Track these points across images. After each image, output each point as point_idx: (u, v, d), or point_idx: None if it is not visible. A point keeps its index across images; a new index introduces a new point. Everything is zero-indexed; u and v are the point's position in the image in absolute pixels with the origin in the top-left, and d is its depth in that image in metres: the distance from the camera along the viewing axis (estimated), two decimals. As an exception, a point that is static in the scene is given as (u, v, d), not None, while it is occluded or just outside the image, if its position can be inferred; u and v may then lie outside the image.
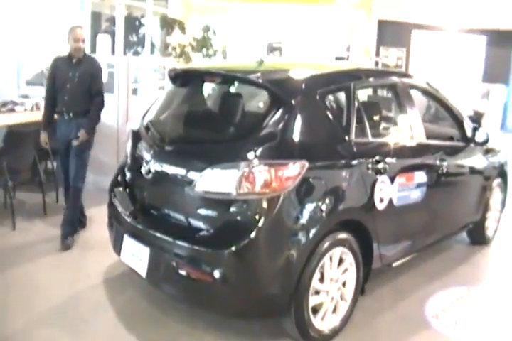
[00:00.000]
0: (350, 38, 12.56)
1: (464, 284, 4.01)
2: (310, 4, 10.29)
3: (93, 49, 7.42)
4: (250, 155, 2.72)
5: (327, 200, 2.87)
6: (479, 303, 3.76)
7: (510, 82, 12.88)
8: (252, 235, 2.64)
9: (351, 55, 11.74)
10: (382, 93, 3.95)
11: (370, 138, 3.28)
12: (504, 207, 5.15)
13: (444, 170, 3.83)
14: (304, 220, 2.77)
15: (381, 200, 3.20)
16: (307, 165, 2.75)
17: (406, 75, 4.06)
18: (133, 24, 9.35)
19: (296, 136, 2.84)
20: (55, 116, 4.53)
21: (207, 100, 3.63)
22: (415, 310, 3.54)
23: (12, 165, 4.68)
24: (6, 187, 4.78)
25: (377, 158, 3.19)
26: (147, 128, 3.41)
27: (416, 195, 3.56)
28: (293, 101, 2.89)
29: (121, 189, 3.50)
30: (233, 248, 2.64)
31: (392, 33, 12.98)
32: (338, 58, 11.25)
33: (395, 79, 3.76)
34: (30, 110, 5.97)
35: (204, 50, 9.58)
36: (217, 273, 2.66)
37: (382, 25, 12.88)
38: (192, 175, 2.85)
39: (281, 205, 2.70)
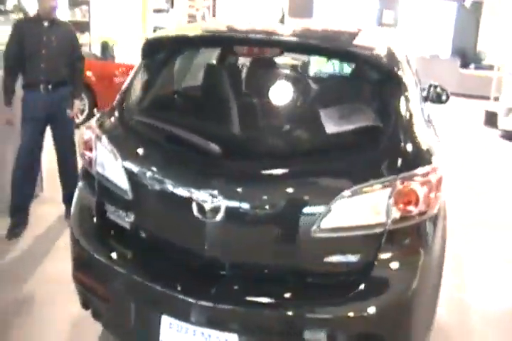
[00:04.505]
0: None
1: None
2: None
3: None
4: (393, 165, 1.94)
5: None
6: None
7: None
8: (417, 280, 1.91)
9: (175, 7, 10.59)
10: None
11: None
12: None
13: None
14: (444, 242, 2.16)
15: None
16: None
17: None
18: None
19: (421, 131, 2.13)
20: (27, 88, 3.78)
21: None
22: None
23: None
24: None
25: None
26: (162, 131, 2.21)
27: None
28: (404, 80, 2.13)
29: (117, 236, 2.19)
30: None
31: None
32: (156, 11, 10.02)
33: None
34: None
35: None
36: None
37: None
38: (311, 207, 1.90)
39: (436, 228, 2.02)
